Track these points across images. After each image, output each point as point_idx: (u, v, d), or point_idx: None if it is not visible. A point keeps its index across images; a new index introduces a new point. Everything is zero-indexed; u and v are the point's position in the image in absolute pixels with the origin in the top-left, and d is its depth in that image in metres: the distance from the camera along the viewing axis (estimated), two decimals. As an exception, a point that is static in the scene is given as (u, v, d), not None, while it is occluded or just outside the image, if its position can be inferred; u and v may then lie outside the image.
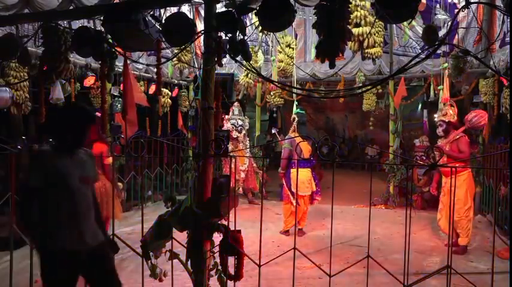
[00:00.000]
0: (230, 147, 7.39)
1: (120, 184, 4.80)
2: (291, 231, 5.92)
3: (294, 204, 5.81)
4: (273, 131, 9.52)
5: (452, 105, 5.58)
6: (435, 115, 6.62)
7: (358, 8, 5.14)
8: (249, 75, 8.41)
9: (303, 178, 5.74)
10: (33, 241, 2.39)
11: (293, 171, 5.79)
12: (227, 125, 8.05)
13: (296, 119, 6.04)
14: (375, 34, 5.47)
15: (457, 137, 5.26)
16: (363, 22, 5.18)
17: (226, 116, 8.14)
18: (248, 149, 8.22)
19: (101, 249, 2.53)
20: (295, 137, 5.71)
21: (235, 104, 8.24)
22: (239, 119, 8.26)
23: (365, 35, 5.12)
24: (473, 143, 7.04)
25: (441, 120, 5.46)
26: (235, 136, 8.04)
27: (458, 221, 5.15)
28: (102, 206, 4.41)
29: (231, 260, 2.87)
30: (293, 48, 8.30)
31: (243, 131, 8.24)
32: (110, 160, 4.66)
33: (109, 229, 4.90)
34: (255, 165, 8.41)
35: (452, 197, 2.83)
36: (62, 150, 2.45)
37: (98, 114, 4.14)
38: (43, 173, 2.34)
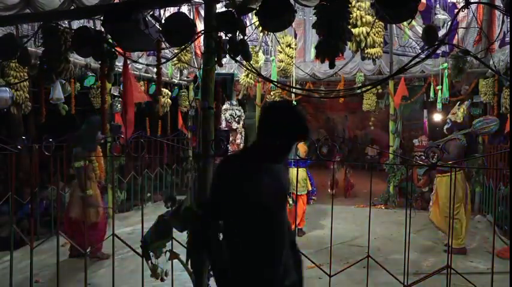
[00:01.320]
0: (230, 139, 7.43)
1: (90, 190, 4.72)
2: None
3: (290, 202, 5.84)
4: None
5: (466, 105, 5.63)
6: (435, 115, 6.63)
7: (355, 9, 5.13)
8: (249, 75, 8.40)
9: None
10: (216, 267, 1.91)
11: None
12: (225, 116, 8.00)
13: None
14: (374, 34, 5.47)
15: (452, 137, 5.30)
16: (359, 22, 5.19)
17: (224, 107, 8.08)
18: (248, 143, 8.23)
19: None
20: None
21: None
22: (237, 109, 8.27)
23: (361, 36, 5.13)
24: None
25: (448, 119, 5.53)
26: (234, 127, 8.02)
27: (445, 219, 5.16)
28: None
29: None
30: (293, 48, 8.29)
31: (241, 122, 8.25)
32: (77, 164, 4.62)
33: (107, 229, 4.94)
34: None
35: (451, 195, 2.84)
36: (261, 161, 1.86)
37: None
38: (237, 191, 1.78)
